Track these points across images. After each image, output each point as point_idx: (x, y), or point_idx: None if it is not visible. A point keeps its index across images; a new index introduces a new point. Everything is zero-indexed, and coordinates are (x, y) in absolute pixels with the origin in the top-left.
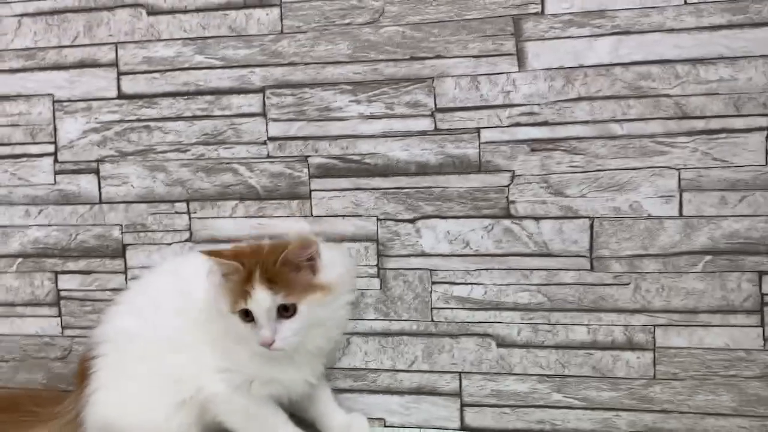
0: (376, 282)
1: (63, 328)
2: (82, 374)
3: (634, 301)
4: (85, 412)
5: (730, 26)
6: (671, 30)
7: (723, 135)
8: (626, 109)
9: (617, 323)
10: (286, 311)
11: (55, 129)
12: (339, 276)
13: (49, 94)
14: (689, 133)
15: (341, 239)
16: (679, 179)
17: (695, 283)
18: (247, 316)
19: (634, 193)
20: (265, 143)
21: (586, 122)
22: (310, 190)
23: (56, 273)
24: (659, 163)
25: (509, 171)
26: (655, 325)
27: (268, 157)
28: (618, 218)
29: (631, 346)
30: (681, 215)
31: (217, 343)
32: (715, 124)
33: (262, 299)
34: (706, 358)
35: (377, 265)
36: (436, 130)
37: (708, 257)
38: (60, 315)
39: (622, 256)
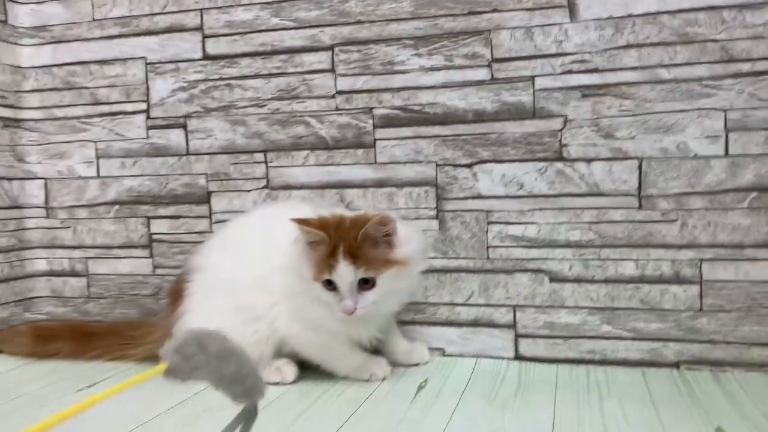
0: (435, 223)
1: (154, 267)
2: (176, 294)
3: (681, 237)
4: (175, 329)
5: None
6: None
7: None
8: (673, 54)
9: (665, 258)
10: (365, 283)
11: (147, 88)
12: (413, 251)
13: (142, 57)
14: (735, 76)
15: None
16: (725, 120)
17: (741, 218)
18: (329, 285)
19: (681, 134)
20: (333, 97)
21: (635, 68)
22: (375, 139)
23: (148, 218)
24: (706, 105)
25: (562, 116)
26: (701, 260)
27: (337, 109)
28: (665, 158)
29: (678, 279)
30: (727, 154)
31: (295, 298)
32: (761, 66)
33: (345, 273)
34: (751, 291)
35: (436, 208)
36: (493, 80)
37: (754, 194)
38: (152, 256)
39: (670, 194)
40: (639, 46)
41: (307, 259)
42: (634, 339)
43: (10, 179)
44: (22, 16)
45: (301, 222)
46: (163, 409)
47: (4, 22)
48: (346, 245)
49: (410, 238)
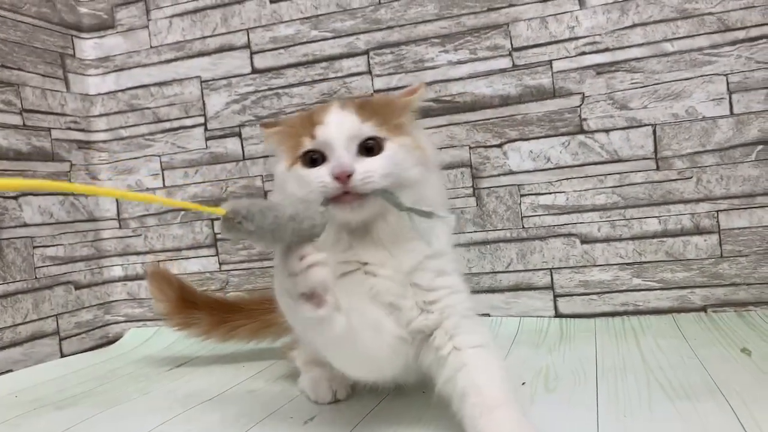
0: (472, 201)
1: (220, 264)
2: None
3: (697, 191)
4: None
5: None
6: None
7: (763, 41)
8: (675, 29)
9: (684, 212)
10: (369, 151)
11: (203, 104)
12: (432, 151)
13: (197, 77)
14: (733, 43)
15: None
16: (728, 83)
17: (750, 170)
18: (312, 161)
19: (689, 99)
20: (372, 96)
21: (642, 44)
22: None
23: (212, 220)
24: (708, 72)
25: (579, 93)
26: (718, 211)
27: None
28: (677, 122)
29: (698, 231)
30: (732, 114)
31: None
32: (755, 32)
33: (340, 121)
34: (766, 235)
35: (472, 186)
36: (514, 67)
37: (760, 147)
38: (217, 254)
39: (684, 154)
40: (644, 24)
41: (281, 151)
42: (662, 289)
43: (86, 196)
44: (88, 49)
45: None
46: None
47: (73, 55)
48: (346, 102)
49: (428, 141)
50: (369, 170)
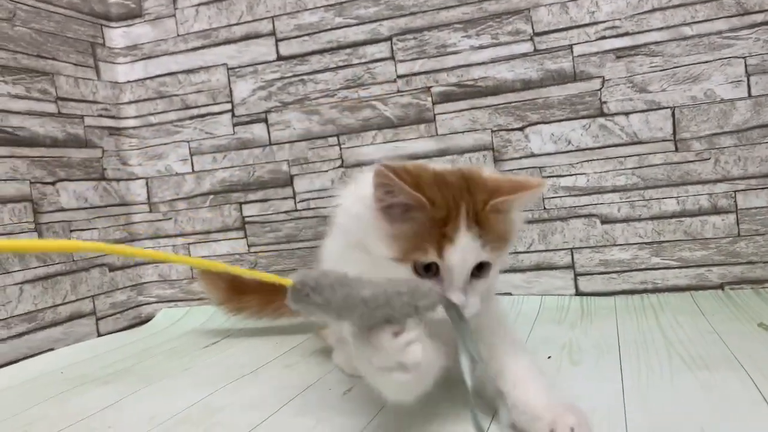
0: None
1: (249, 246)
2: None
3: (715, 172)
4: None
5: None
6: None
7: None
8: (694, 13)
9: (702, 193)
10: (479, 270)
11: (230, 91)
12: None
13: (223, 64)
14: (751, 26)
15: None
16: (746, 66)
17: None
18: (426, 269)
19: (708, 82)
20: (395, 81)
21: (661, 29)
22: (434, 114)
23: (240, 204)
24: (727, 55)
25: (600, 77)
26: (735, 191)
27: (398, 92)
28: (695, 105)
29: (716, 210)
30: (750, 96)
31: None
32: None
33: (468, 252)
34: None
35: (495, 169)
36: (536, 51)
37: None
38: (246, 236)
39: (702, 136)
40: (663, 9)
41: (382, 229)
42: (681, 267)
43: (117, 180)
44: (116, 38)
45: (388, 168)
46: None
47: (102, 44)
48: (470, 209)
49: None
50: (474, 303)
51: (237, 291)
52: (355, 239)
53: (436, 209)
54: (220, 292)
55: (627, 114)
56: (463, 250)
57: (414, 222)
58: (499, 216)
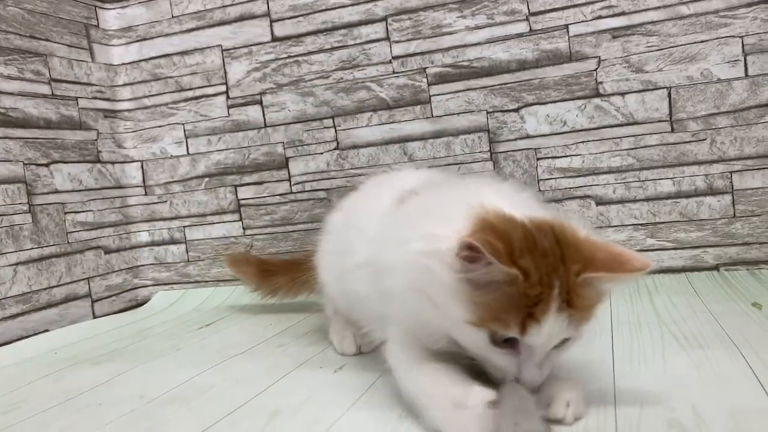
0: (489, 165)
1: (244, 229)
2: None
3: (711, 153)
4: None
5: None
6: None
7: None
8: None
9: (698, 174)
10: (559, 343)
11: (225, 72)
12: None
13: (218, 45)
14: (748, 5)
15: None
16: (743, 45)
17: (764, 131)
18: (505, 341)
19: (704, 62)
20: (390, 62)
21: (657, 8)
22: (430, 96)
23: (236, 186)
24: (724, 34)
25: (596, 57)
26: (731, 172)
27: (394, 73)
28: (692, 85)
29: (711, 191)
30: (747, 75)
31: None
32: None
33: (554, 332)
34: None
35: (490, 151)
36: (531, 32)
37: None
38: (241, 219)
39: (698, 116)
40: None
41: (462, 292)
42: (676, 248)
43: (113, 163)
44: (111, 19)
45: (476, 244)
46: None
47: (96, 26)
48: (563, 287)
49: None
50: (546, 375)
51: (267, 274)
52: (420, 288)
53: (529, 285)
54: (253, 279)
55: (623, 94)
56: (549, 331)
57: (500, 293)
58: (592, 289)
